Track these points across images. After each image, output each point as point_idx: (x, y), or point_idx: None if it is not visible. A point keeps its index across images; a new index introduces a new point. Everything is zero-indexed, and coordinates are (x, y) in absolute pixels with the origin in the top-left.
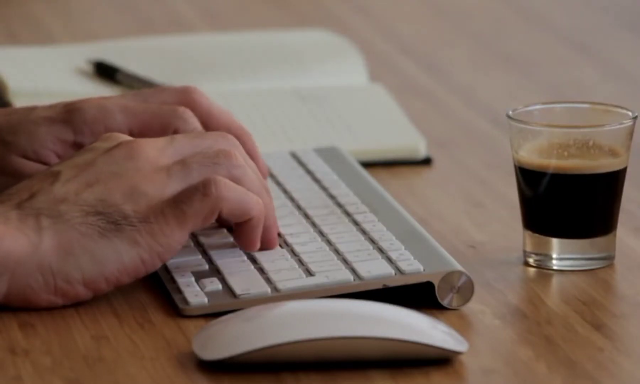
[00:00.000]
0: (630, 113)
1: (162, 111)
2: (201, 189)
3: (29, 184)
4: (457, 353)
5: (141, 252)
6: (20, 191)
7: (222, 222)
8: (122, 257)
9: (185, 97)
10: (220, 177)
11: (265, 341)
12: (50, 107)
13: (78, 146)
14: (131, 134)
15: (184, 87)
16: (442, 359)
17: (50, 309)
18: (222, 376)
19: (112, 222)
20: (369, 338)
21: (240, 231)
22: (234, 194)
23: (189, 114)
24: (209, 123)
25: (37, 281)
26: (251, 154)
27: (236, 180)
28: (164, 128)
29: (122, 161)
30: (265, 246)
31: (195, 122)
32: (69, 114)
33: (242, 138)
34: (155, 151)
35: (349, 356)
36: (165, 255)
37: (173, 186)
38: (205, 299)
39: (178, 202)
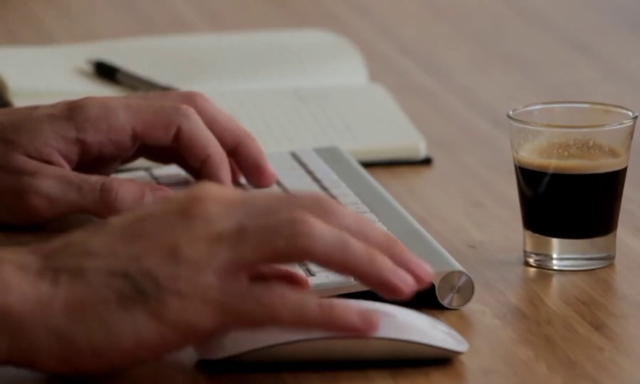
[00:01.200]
0: (630, 113)
1: (165, 109)
2: (257, 295)
3: (73, 232)
4: (458, 353)
5: (163, 329)
6: (59, 239)
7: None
8: (140, 331)
9: (190, 102)
10: (284, 288)
11: (265, 341)
12: (53, 105)
13: (80, 143)
14: (134, 133)
15: (187, 92)
16: (442, 359)
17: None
18: (222, 376)
19: (138, 290)
20: (369, 337)
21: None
22: (289, 308)
23: (191, 112)
24: (214, 128)
25: (42, 343)
26: (257, 159)
27: (300, 252)
28: (167, 126)
29: (174, 217)
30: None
31: (198, 120)
32: (71, 112)
33: (246, 143)
34: (218, 210)
35: (349, 356)
36: (190, 339)
37: (222, 255)
38: None
39: (227, 296)
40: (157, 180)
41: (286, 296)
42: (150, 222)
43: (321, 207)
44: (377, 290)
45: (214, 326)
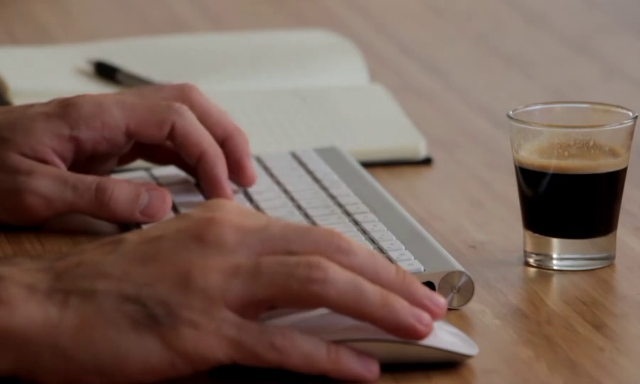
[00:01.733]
0: (630, 113)
1: (159, 107)
2: (269, 342)
3: (86, 248)
4: (467, 356)
5: (174, 357)
6: (72, 256)
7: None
8: (149, 357)
9: (183, 95)
10: (292, 331)
11: None
12: (46, 103)
13: (75, 141)
14: (128, 130)
15: (181, 84)
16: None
17: None
18: (222, 376)
19: (149, 316)
20: (375, 340)
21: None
22: (300, 352)
23: (184, 109)
24: (205, 122)
25: (48, 364)
26: (241, 157)
27: (314, 298)
28: (160, 124)
29: (189, 242)
30: None
31: (191, 117)
32: (64, 109)
33: (235, 138)
34: (235, 238)
35: None
36: (198, 367)
37: (235, 288)
38: None
39: (238, 331)
40: (157, 180)
41: (297, 342)
42: (165, 243)
43: (336, 246)
44: (395, 333)
45: (224, 359)
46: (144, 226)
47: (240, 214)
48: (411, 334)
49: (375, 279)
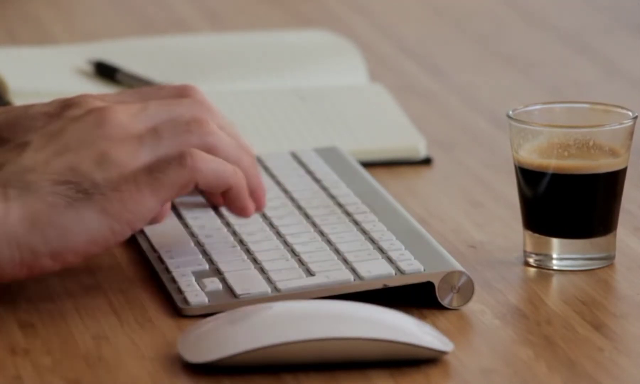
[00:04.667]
0: (630, 113)
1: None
2: (177, 160)
3: None
4: (443, 353)
5: (111, 221)
6: None
7: (206, 195)
8: (90, 228)
9: (183, 95)
10: (196, 149)
11: (261, 342)
12: (48, 103)
13: None
14: None
15: (182, 85)
16: (430, 359)
17: (50, 309)
18: (222, 376)
19: (81, 191)
20: (366, 339)
21: (227, 201)
22: (210, 166)
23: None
24: None
25: (5, 254)
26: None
27: (210, 148)
28: None
29: (92, 129)
30: (256, 208)
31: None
32: (65, 109)
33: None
34: (127, 117)
35: (342, 357)
36: (135, 223)
37: (145, 154)
38: (206, 299)
39: (153, 171)
40: None
41: (203, 155)
42: (71, 135)
43: (207, 108)
44: (230, 203)
45: (151, 204)
46: (42, 130)
47: (118, 101)
48: (243, 212)
49: (236, 144)
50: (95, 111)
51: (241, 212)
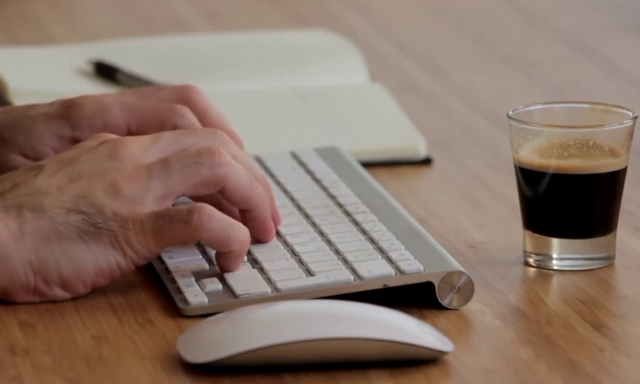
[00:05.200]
0: (630, 113)
1: (160, 108)
2: (185, 215)
3: (12, 175)
4: (444, 353)
5: (117, 256)
6: (3, 181)
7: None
8: (99, 261)
9: (183, 95)
10: (208, 207)
11: (261, 342)
12: (49, 104)
13: (76, 142)
14: (129, 131)
15: (182, 85)
16: (431, 359)
17: (50, 309)
18: (222, 376)
19: (92, 224)
20: (366, 339)
21: (220, 257)
22: (216, 226)
23: (186, 111)
24: (204, 123)
25: (19, 276)
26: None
27: (221, 178)
28: (161, 124)
29: (104, 159)
30: (263, 238)
31: (193, 119)
32: (67, 110)
33: None
34: (139, 149)
35: (343, 357)
36: (138, 262)
37: (154, 187)
38: (206, 299)
39: (158, 218)
40: None
41: (212, 214)
42: (85, 164)
43: (221, 140)
44: (258, 228)
45: (153, 248)
46: (56, 156)
47: (132, 136)
48: (268, 236)
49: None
50: (108, 142)
51: (226, 269)
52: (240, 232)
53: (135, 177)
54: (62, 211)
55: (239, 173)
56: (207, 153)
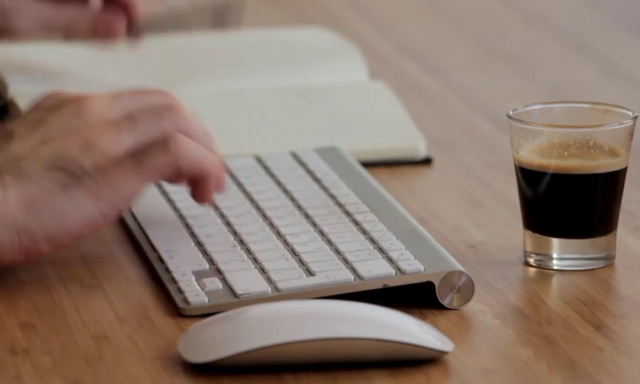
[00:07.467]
0: (630, 113)
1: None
2: (161, 145)
3: None
4: (444, 353)
5: (101, 204)
6: None
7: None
8: (83, 211)
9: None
10: (179, 134)
11: (261, 342)
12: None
13: None
14: None
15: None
16: (431, 359)
17: (50, 309)
18: (222, 376)
19: (72, 176)
20: (366, 339)
21: (197, 185)
22: (193, 149)
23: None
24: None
25: (3, 239)
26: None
27: (184, 132)
28: None
29: (72, 117)
30: (218, 190)
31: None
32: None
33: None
34: (102, 106)
35: (344, 357)
36: (122, 205)
37: (124, 139)
38: (206, 299)
39: (137, 155)
40: None
41: (184, 139)
42: (54, 125)
43: (173, 97)
44: (198, 188)
45: (136, 187)
46: (22, 120)
47: (90, 94)
48: (215, 190)
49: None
50: (72, 101)
51: (205, 198)
52: (209, 154)
53: (105, 130)
54: (41, 169)
55: (198, 128)
56: (169, 108)
